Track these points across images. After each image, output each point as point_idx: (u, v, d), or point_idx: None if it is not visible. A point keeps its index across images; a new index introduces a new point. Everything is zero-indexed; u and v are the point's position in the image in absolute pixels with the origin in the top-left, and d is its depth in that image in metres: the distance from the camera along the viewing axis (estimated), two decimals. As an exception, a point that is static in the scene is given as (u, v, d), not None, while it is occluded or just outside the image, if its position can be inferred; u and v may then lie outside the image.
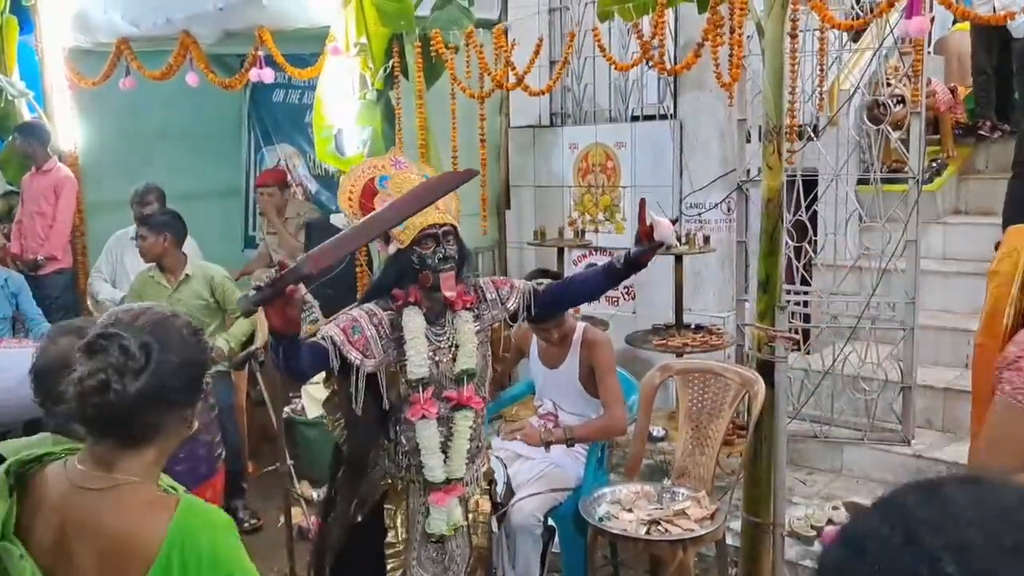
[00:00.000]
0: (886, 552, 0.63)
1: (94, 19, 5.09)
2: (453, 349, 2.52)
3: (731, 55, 3.62)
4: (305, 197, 6.60)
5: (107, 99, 5.39)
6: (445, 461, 2.51)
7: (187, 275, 4.29)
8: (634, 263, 2.50)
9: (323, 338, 2.37)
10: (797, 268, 4.59)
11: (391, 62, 4.31)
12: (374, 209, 2.48)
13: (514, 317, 2.67)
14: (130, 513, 1.40)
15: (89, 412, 1.39)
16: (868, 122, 4.59)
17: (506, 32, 4.55)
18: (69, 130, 5.61)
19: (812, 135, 4.56)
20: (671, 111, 4.83)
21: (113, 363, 1.38)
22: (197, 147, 6.45)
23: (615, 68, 4.14)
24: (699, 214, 4.58)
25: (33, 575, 1.37)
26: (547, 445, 3.20)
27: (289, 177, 6.33)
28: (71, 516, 1.40)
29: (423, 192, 2.29)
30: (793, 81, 3.34)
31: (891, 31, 4.44)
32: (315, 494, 4.11)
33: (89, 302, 5.00)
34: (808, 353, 4.69)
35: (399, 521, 2.58)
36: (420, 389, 2.46)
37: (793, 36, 3.34)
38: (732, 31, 3.58)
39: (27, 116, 5.58)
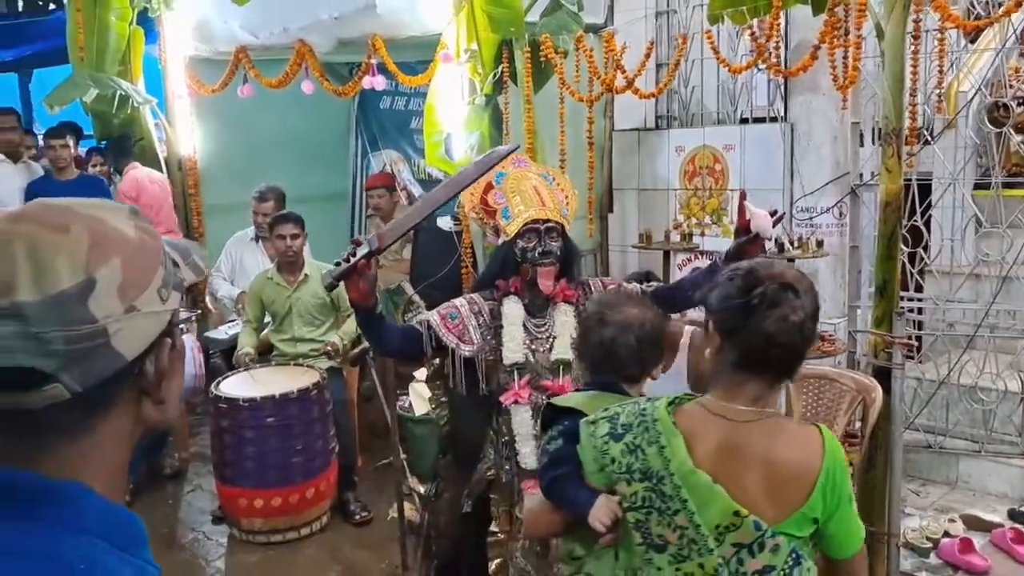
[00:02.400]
0: None
1: (215, 29, 5.30)
2: (551, 340, 2.57)
3: (845, 57, 3.57)
4: (409, 201, 6.75)
5: (224, 106, 5.61)
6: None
7: (306, 275, 4.44)
8: (735, 258, 2.49)
9: (419, 322, 2.51)
10: (911, 274, 4.47)
11: (500, 67, 4.38)
12: (487, 202, 2.59)
13: None
14: (792, 441, 1.62)
15: (775, 353, 1.57)
16: (989, 124, 4.45)
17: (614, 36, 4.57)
18: (188, 136, 5.88)
19: (928, 138, 4.44)
20: (781, 114, 4.76)
21: (807, 307, 1.57)
22: (307, 152, 6.65)
23: (729, 71, 4.11)
24: (810, 218, 4.50)
25: (722, 498, 1.56)
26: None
27: (395, 182, 6.49)
28: (730, 444, 1.60)
29: (471, 172, 2.40)
30: (914, 83, 3.26)
31: (1015, 31, 4.30)
32: (422, 489, 4.19)
33: (208, 299, 5.22)
34: (921, 362, 4.56)
35: (503, 512, 2.63)
36: (516, 375, 2.52)
37: (915, 37, 3.26)
38: (847, 32, 3.53)
39: (151, 122, 5.87)
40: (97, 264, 0.79)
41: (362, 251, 2.19)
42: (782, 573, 1.57)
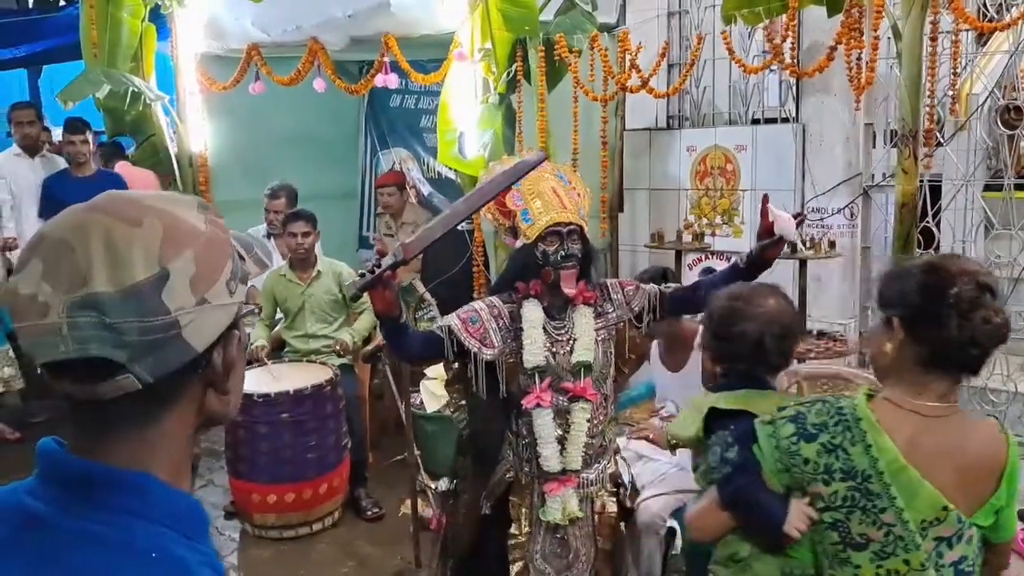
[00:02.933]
0: None
1: (226, 26, 5.31)
2: (571, 342, 2.56)
3: (859, 58, 3.59)
4: (418, 199, 6.76)
5: (236, 103, 5.62)
6: (562, 452, 2.55)
7: (318, 271, 4.45)
8: (758, 261, 2.49)
9: (439, 328, 2.49)
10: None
11: (514, 66, 4.40)
12: (504, 203, 2.57)
13: (639, 318, 2.69)
14: (981, 434, 1.68)
15: (974, 354, 1.60)
16: (1001, 127, 4.46)
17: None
18: (200, 133, 5.89)
19: (940, 140, 4.45)
20: (793, 115, 4.77)
21: (1001, 307, 1.62)
22: (317, 151, 6.67)
23: (744, 71, 4.12)
24: (821, 219, 4.51)
25: (930, 493, 1.60)
26: (673, 448, 3.20)
27: (405, 180, 6.50)
28: (924, 440, 1.64)
29: (502, 178, 2.34)
30: (932, 84, 3.28)
31: (1027, 33, 4.30)
32: (434, 486, 4.20)
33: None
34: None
35: (523, 514, 2.63)
36: (536, 379, 2.52)
37: (933, 39, 3.28)
38: (862, 33, 3.55)
39: (162, 119, 5.87)
40: (170, 256, 0.80)
41: (387, 262, 2.18)
42: (972, 563, 1.64)
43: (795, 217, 2.44)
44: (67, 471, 0.82)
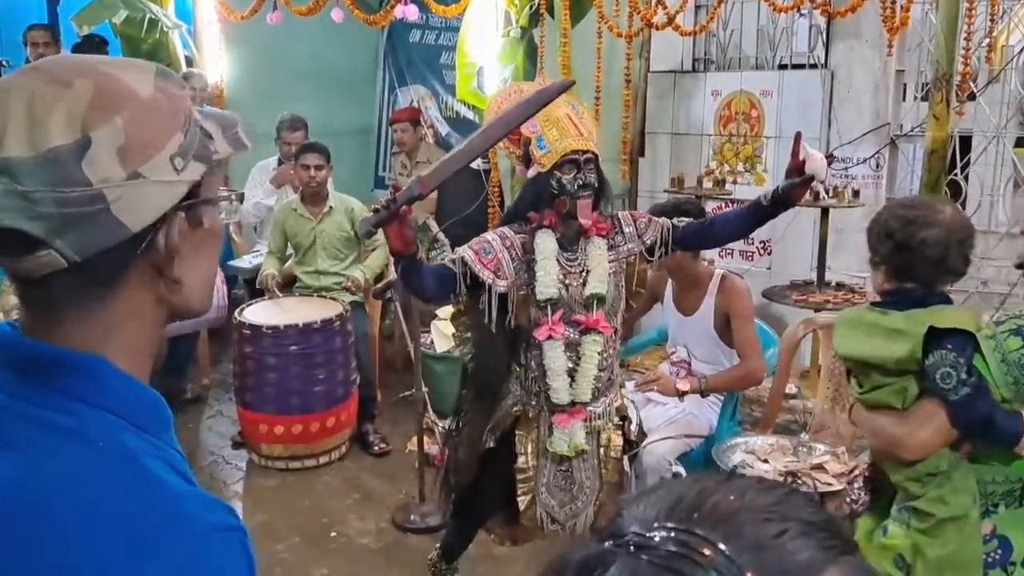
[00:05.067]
0: None
1: (245, -48, 5.21)
2: (584, 274, 2.52)
3: (894, 1, 3.46)
4: (436, 139, 6.66)
5: (253, 33, 5.54)
6: (571, 385, 2.52)
7: (330, 207, 4.40)
8: (782, 200, 2.42)
9: (452, 261, 2.44)
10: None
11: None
12: (518, 129, 2.48)
13: (651, 251, 2.63)
14: None
15: None
16: (1037, 79, 4.32)
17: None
18: (216, 62, 5.81)
19: (974, 90, 4.31)
20: (822, 60, 4.63)
21: None
22: (335, 85, 6.57)
23: (774, 10, 3.99)
24: (846, 169, 4.40)
25: None
26: (681, 395, 3.16)
27: (421, 117, 6.40)
28: None
29: (524, 108, 2.25)
30: (969, 27, 3.15)
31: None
32: (441, 424, 4.20)
33: (232, 228, 5.19)
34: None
35: (529, 448, 2.62)
36: (549, 311, 2.48)
37: (973, -21, 3.15)
38: (900, -26, 3.41)
39: (180, 49, 5.79)
40: (95, 122, 0.72)
41: (403, 196, 2.09)
42: None
43: (826, 158, 2.37)
44: (17, 353, 0.77)
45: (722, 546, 0.49)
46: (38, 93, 0.73)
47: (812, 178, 2.35)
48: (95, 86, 0.74)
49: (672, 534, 0.50)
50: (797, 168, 2.34)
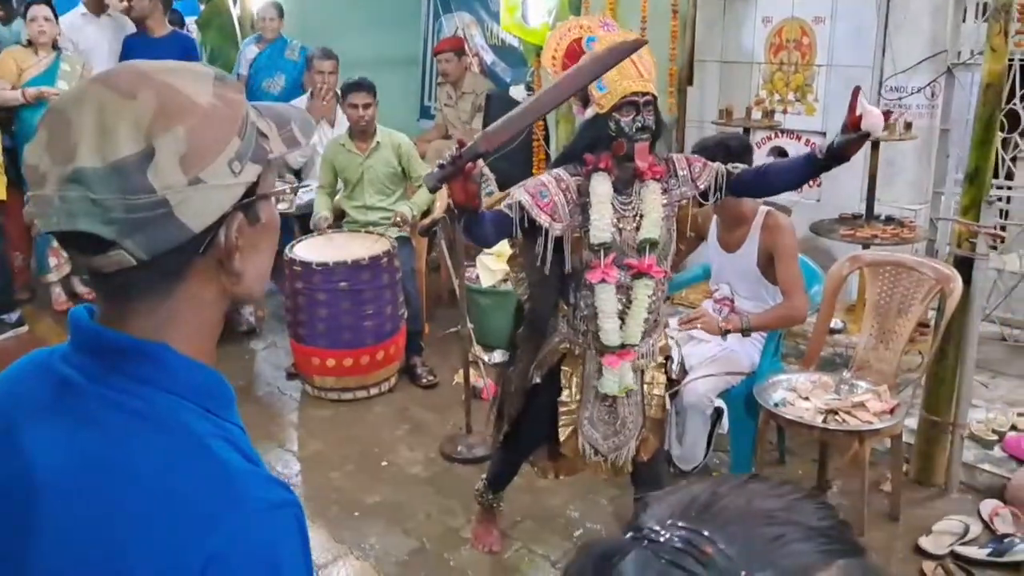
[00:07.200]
0: None
1: None
2: (638, 218, 2.53)
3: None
4: (480, 68, 6.61)
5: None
6: (621, 327, 2.56)
7: (378, 142, 4.43)
8: (837, 154, 2.39)
9: (509, 206, 2.45)
10: (1002, 160, 4.26)
11: (583, -75, 4.17)
12: None
13: (704, 196, 2.64)
14: None
15: None
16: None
17: None
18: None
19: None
20: (878, -16, 4.45)
21: None
22: (379, 13, 6.51)
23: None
24: (899, 99, 4.27)
25: None
26: (725, 334, 3.18)
27: (466, 46, 6.34)
28: None
29: (594, 64, 2.23)
30: (1033, -49, 3.02)
31: None
32: (487, 358, 4.29)
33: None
34: (1003, 253, 4.40)
35: (574, 383, 2.68)
36: (602, 254, 2.51)
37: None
38: None
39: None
40: (159, 132, 0.78)
41: (468, 152, 2.08)
42: None
43: (884, 115, 2.34)
44: (92, 339, 0.85)
45: (723, 546, 0.53)
46: (106, 105, 0.78)
47: (868, 134, 2.32)
48: (158, 97, 0.79)
49: (680, 532, 0.55)
50: (853, 124, 2.30)
